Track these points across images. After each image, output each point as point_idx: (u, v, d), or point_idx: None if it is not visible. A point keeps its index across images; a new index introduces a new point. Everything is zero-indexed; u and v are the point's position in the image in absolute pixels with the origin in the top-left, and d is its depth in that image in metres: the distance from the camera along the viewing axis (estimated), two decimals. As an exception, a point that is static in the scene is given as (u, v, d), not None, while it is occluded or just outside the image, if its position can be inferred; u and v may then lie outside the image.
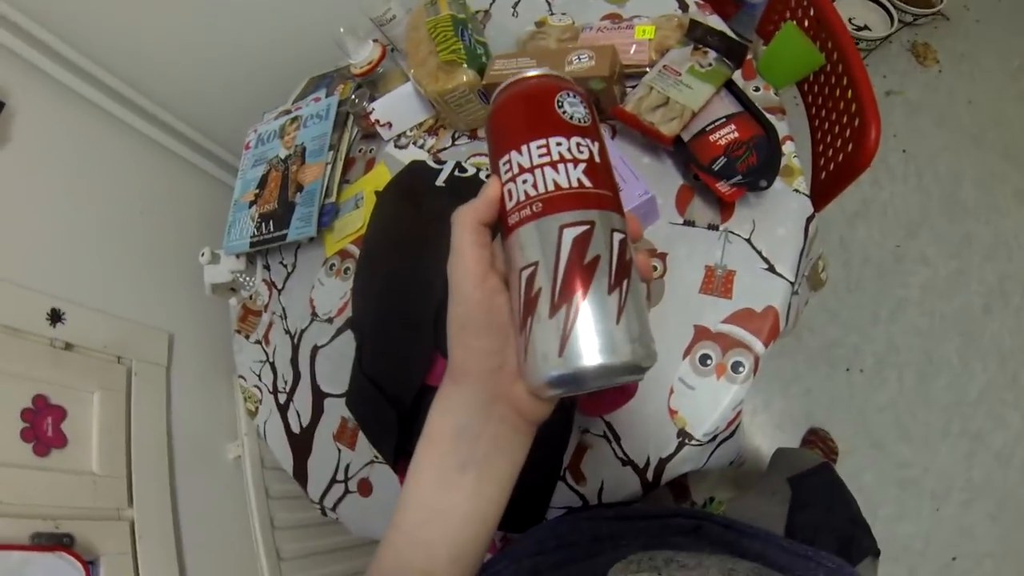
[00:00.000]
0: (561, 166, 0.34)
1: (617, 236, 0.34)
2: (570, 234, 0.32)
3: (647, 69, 0.86)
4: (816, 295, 1.55)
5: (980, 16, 2.02)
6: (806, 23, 0.97)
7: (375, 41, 1.08)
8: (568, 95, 0.37)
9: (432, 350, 0.71)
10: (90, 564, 0.83)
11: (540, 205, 0.33)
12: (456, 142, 1.04)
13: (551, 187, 0.34)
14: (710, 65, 0.81)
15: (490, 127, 0.39)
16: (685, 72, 0.81)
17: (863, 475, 1.48)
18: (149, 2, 1.18)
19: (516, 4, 1.12)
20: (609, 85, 0.81)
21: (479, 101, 0.95)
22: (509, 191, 0.35)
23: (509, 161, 0.36)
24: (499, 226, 0.37)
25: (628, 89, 0.88)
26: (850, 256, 1.73)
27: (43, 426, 0.89)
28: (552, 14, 1.06)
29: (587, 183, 0.34)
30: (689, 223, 0.80)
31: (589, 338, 0.31)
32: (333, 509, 0.92)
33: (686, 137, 0.79)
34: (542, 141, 0.35)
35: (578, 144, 0.35)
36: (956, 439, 1.49)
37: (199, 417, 1.17)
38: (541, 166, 0.34)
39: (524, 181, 0.34)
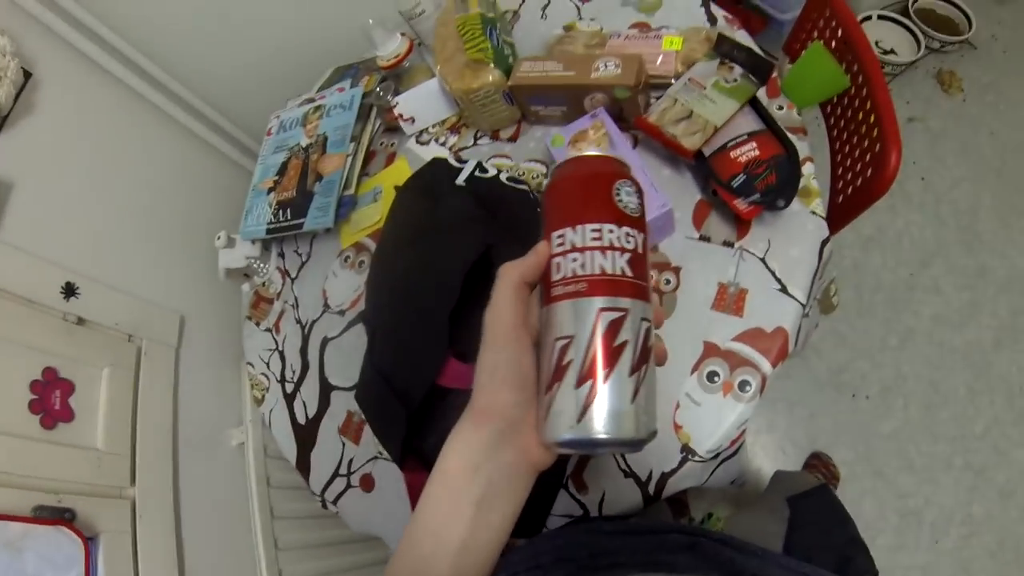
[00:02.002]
0: (609, 253, 0.37)
1: (645, 325, 0.37)
2: (606, 318, 0.36)
3: (672, 80, 0.86)
4: (826, 319, 1.55)
5: (1008, 47, 2.01)
6: (833, 44, 0.97)
7: (403, 35, 1.09)
8: (626, 184, 0.40)
9: (445, 350, 0.71)
10: (89, 540, 0.83)
11: (585, 285, 0.37)
12: (478, 141, 1.04)
13: (597, 271, 0.37)
14: (735, 81, 0.81)
15: (549, 197, 0.42)
16: (710, 86, 0.81)
17: (863, 502, 1.47)
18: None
19: (546, 7, 1.12)
20: (634, 94, 0.81)
21: (503, 101, 0.95)
22: (558, 264, 0.38)
23: (563, 236, 0.38)
24: (540, 288, 0.40)
25: (652, 99, 0.87)
26: (862, 281, 1.71)
27: (51, 399, 0.90)
28: (581, 19, 1.06)
29: (629, 273, 0.37)
30: (705, 238, 0.80)
31: (604, 413, 0.35)
32: (334, 503, 0.92)
33: (707, 152, 0.79)
34: (596, 226, 0.38)
35: (627, 234, 0.38)
36: (959, 472, 1.47)
37: (205, 401, 1.17)
38: (592, 249, 0.37)
39: (574, 259, 0.37)
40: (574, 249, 0.38)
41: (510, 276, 0.39)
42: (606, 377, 0.35)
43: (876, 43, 1.92)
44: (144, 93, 1.23)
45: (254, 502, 1.16)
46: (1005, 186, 1.78)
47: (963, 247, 1.72)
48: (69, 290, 0.96)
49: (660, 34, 0.90)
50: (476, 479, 0.37)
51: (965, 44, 1.96)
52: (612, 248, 0.37)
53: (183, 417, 1.10)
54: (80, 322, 0.98)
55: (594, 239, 0.37)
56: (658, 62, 0.87)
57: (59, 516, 0.81)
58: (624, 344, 0.36)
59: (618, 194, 0.39)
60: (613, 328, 0.36)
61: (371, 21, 1.03)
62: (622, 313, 0.36)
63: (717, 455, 0.72)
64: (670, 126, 0.79)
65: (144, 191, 1.20)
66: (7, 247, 0.91)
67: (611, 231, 0.37)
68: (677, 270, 0.79)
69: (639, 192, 0.41)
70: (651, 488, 0.71)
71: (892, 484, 1.48)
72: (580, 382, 0.35)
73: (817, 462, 1.51)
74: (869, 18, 1.94)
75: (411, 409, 0.70)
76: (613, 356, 0.35)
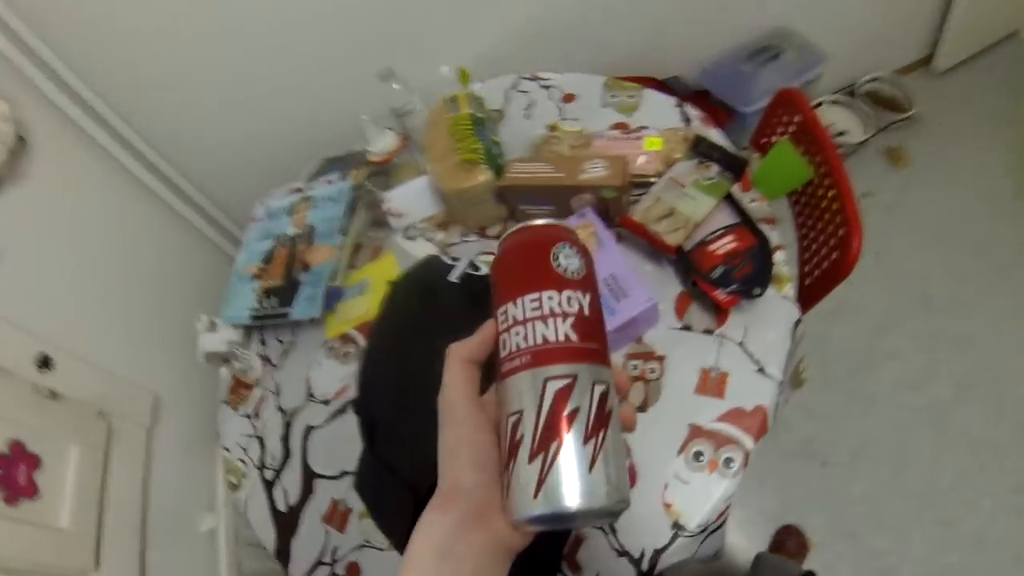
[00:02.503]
0: (551, 320, 0.36)
1: (599, 388, 0.36)
2: (552, 387, 0.35)
3: (654, 179, 0.93)
4: (794, 393, 1.62)
5: (948, 118, 2.17)
6: (797, 137, 1.06)
7: (394, 131, 1.13)
8: (565, 247, 0.39)
9: None
10: None
11: (528, 357, 0.36)
12: (465, 238, 1.08)
13: (540, 341, 0.36)
14: (713, 178, 0.88)
15: (494, 273, 0.41)
16: (689, 184, 0.88)
17: (839, 565, 1.51)
18: (179, 62, 1.21)
19: (528, 107, 1.20)
20: (620, 194, 0.88)
21: (493, 201, 1.00)
22: (504, 340, 0.38)
23: (506, 312, 0.38)
24: (494, 368, 0.40)
25: (634, 197, 0.94)
26: (826, 353, 1.80)
27: (16, 474, 0.85)
28: (564, 119, 1.14)
29: (574, 337, 0.36)
30: (687, 328, 0.86)
31: (562, 484, 0.33)
32: None
33: (688, 246, 0.85)
34: (535, 295, 0.37)
35: (568, 298, 0.37)
36: (930, 526, 1.52)
37: (176, 484, 1.13)
38: (532, 319, 0.37)
39: (517, 333, 0.37)
40: (516, 323, 0.37)
41: (456, 355, 0.40)
42: (558, 448, 0.34)
43: (830, 126, 2.07)
44: (133, 170, 1.25)
45: None
46: (953, 250, 1.90)
47: (918, 312, 1.82)
48: (44, 362, 0.93)
49: (640, 135, 0.98)
50: (444, 565, 0.35)
51: (909, 119, 2.12)
52: (553, 315, 0.36)
53: (152, 500, 1.06)
54: (53, 396, 0.94)
55: (534, 309, 0.37)
56: (640, 162, 0.94)
57: None
58: (575, 412, 0.34)
59: (556, 259, 0.38)
60: (561, 396, 0.35)
61: (365, 117, 1.07)
62: (569, 380, 0.35)
63: (705, 529, 0.76)
64: (653, 223, 0.86)
65: (125, 268, 1.20)
66: None
67: (551, 298, 0.37)
68: (662, 358, 0.84)
69: (582, 252, 0.40)
70: (644, 565, 0.74)
71: (866, 545, 1.53)
72: (532, 456, 0.34)
73: (787, 535, 1.55)
74: (820, 104, 2.09)
75: (418, 498, 0.72)
76: (564, 424, 0.34)
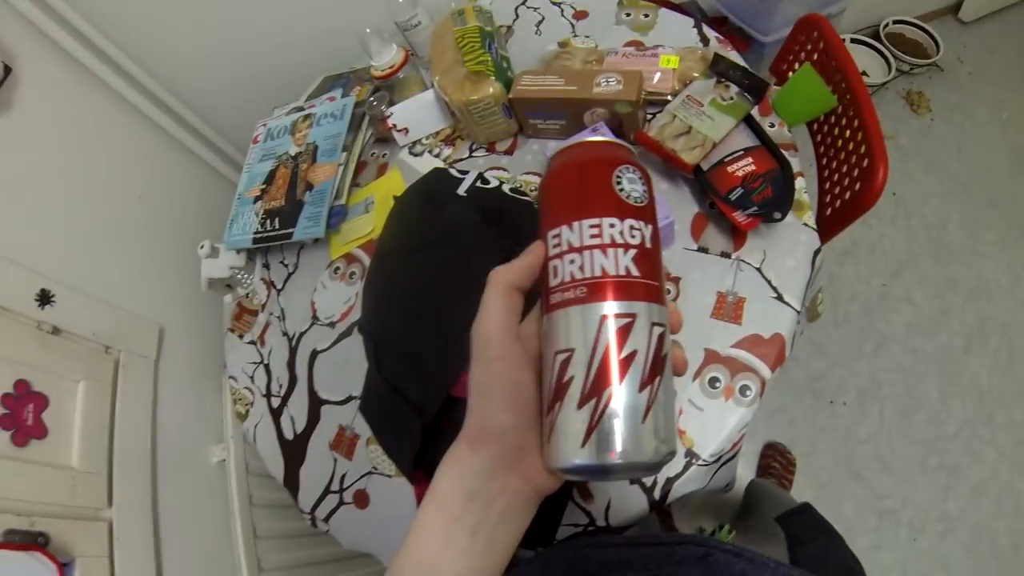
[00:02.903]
0: (611, 251, 0.33)
1: (657, 331, 0.33)
2: (611, 326, 0.32)
3: (669, 98, 0.89)
4: (805, 328, 1.59)
5: (973, 69, 2.11)
6: (819, 65, 1.01)
7: (398, 45, 1.09)
8: (628, 170, 0.36)
9: (463, 361, 0.71)
10: (64, 566, 0.78)
11: (585, 290, 0.33)
12: (473, 154, 1.05)
13: (599, 272, 0.33)
14: (731, 99, 0.84)
15: (544, 192, 0.38)
16: (707, 104, 0.84)
17: (843, 504, 1.52)
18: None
19: (540, 23, 1.15)
20: (635, 110, 0.84)
21: (502, 114, 0.97)
22: (555, 267, 0.34)
23: (559, 236, 0.34)
24: (540, 295, 0.36)
25: (650, 116, 0.90)
26: (838, 292, 1.77)
27: (23, 414, 0.83)
28: (575, 36, 1.09)
29: (635, 272, 0.33)
30: (703, 250, 0.83)
31: (614, 434, 0.31)
32: (325, 520, 0.89)
33: (705, 167, 0.82)
34: (595, 221, 0.33)
35: (632, 228, 0.34)
36: (934, 472, 1.53)
37: (185, 416, 1.13)
38: (591, 248, 0.33)
39: (572, 261, 0.33)
40: (571, 249, 0.34)
41: (499, 282, 0.35)
42: (613, 394, 0.31)
43: (849, 62, 2.00)
44: (127, 95, 1.20)
45: (236, 522, 1.11)
46: (971, 200, 1.86)
47: (933, 258, 1.79)
48: (44, 298, 0.91)
49: (656, 52, 0.93)
50: (472, 507, 0.34)
51: (933, 67, 2.05)
52: (614, 245, 0.33)
53: (162, 433, 1.05)
54: (55, 332, 0.91)
55: (593, 236, 0.33)
56: (656, 79, 0.90)
57: (32, 541, 0.76)
58: (633, 355, 0.31)
59: (619, 182, 0.35)
60: (619, 337, 0.32)
61: (368, 30, 1.03)
62: (629, 319, 0.32)
63: (719, 458, 0.74)
64: (670, 141, 0.82)
65: (123, 197, 1.16)
66: None
67: (612, 225, 0.33)
68: (677, 280, 0.82)
69: (645, 179, 0.37)
70: (656, 493, 0.72)
71: (870, 486, 1.53)
72: (583, 401, 0.31)
73: (771, 455, 1.56)
74: (843, 41, 2.01)
75: (427, 420, 0.70)
76: (620, 369, 0.31)
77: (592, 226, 0.33)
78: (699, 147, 0.81)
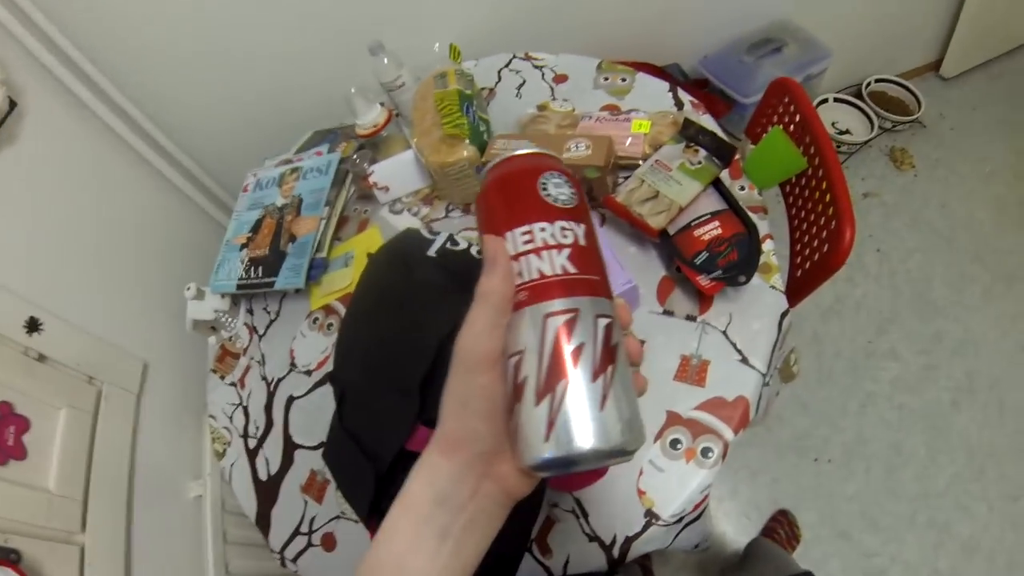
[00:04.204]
0: (545, 253, 0.34)
1: (602, 322, 0.34)
2: (554, 323, 0.33)
3: (640, 162, 0.92)
4: (787, 387, 1.59)
5: (955, 124, 2.15)
6: (792, 127, 1.04)
7: (382, 105, 1.13)
8: (553, 176, 0.37)
9: (416, 416, 0.73)
10: None
11: (527, 293, 0.34)
12: (449, 214, 1.08)
13: (536, 275, 0.34)
14: (700, 163, 0.87)
15: (479, 209, 0.39)
16: (676, 168, 0.86)
17: (829, 563, 1.49)
18: (172, 30, 1.21)
19: (520, 86, 1.19)
20: (603, 175, 0.86)
21: (477, 177, 0.99)
22: None
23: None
24: None
25: (620, 179, 0.93)
26: (823, 349, 1.78)
27: (4, 434, 0.86)
28: (554, 99, 1.12)
29: (572, 269, 0.34)
30: (668, 313, 0.84)
31: (573, 425, 0.31)
32: (294, 561, 0.91)
33: (672, 231, 0.84)
34: (526, 227, 0.35)
35: (562, 229, 0.35)
36: (923, 529, 1.50)
37: (164, 450, 1.14)
38: (526, 253, 0.34)
39: (513, 269, 0.35)
40: (511, 257, 0.35)
41: (496, 293, 0.35)
42: (568, 386, 0.32)
43: (833, 124, 2.05)
44: (125, 136, 1.25)
45: (209, 556, 1.12)
46: (956, 255, 1.88)
47: (918, 314, 1.80)
48: (32, 325, 0.94)
49: (629, 117, 0.97)
50: (442, 510, 0.35)
51: (916, 123, 2.10)
52: (547, 247, 0.34)
53: (140, 465, 1.07)
54: (41, 359, 0.94)
55: (526, 242, 0.35)
56: (627, 144, 0.93)
57: (4, 556, 0.78)
58: (580, 347, 0.33)
59: (545, 188, 0.36)
60: (565, 331, 0.33)
61: (353, 90, 1.07)
62: (571, 314, 0.33)
63: (680, 519, 0.74)
64: (637, 205, 0.84)
65: (116, 233, 1.20)
66: None
67: (542, 229, 0.35)
68: (642, 343, 0.82)
69: (572, 182, 0.38)
70: (615, 552, 0.72)
71: (857, 544, 1.51)
72: (540, 397, 0.32)
73: (781, 520, 1.53)
74: (826, 100, 2.06)
75: (380, 470, 0.71)
76: (570, 361, 0.32)
77: (524, 232, 0.35)
78: (665, 212, 0.83)
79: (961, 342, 1.74)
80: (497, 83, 1.23)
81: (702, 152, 0.89)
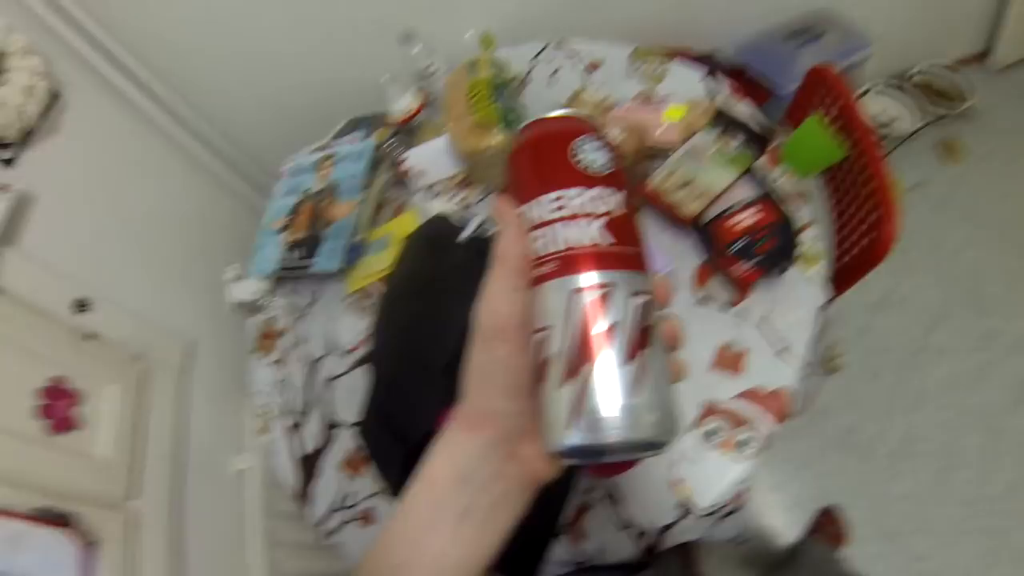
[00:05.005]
0: (575, 222, 0.32)
1: (638, 300, 0.31)
2: (583, 299, 0.30)
3: (674, 150, 0.90)
4: (831, 379, 1.55)
5: (1005, 115, 2.06)
6: (830, 116, 1.02)
7: (417, 91, 1.14)
8: (588, 140, 0.34)
9: (441, 400, 0.73)
10: (87, 547, 0.83)
11: (554, 264, 0.31)
12: (485, 198, 1.09)
13: (565, 245, 0.31)
14: (734, 151, 0.85)
15: (508, 172, 0.37)
16: (710, 156, 0.85)
17: (875, 565, 1.44)
18: (212, 21, 1.25)
19: (554, 74, 1.19)
20: (635, 163, 0.86)
21: (504, 163, 0.99)
22: None
23: (526, 213, 0.34)
24: None
25: (653, 168, 0.92)
26: (871, 344, 1.72)
27: (58, 407, 0.91)
28: (588, 87, 1.12)
29: (606, 240, 0.31)
30: (705, 300, 0.83)
31: (601, 412, 0.29)
32: (334, 535, 0.92)
33: (707, 219, 0.83)
34: (556, 194, 0.33)
35: (597, 196, 0.32)
36: (976, 535, 1.44)
37: (208, 426, 1.18)
38: (555, 221, 0.32)
39: (541, 236, 0.32)
40: (539, 224, 0.32)
41: (511, 257, 0.33)
42: (595, 369, 0.29)
43: (878, 114, 1.98)
44: (164, 125, 1.30)
45: (252, 529, 1.16)
46: (1008, 251, 1.79)
47: (971, 311, 1.72)
48: (82, 305, 0.98)
49: (663, 105, 0.96)
50: (463, 489, 0.33)
51: (964, 115, 2.02)
52: (580, 216, 0.32)
53: (186, 440, 1.11)
54: (91, 337, 0.98)
55: (556, 209, 0.32)
56: (660, 131, 0.92)
57: (58, 519, 0.82)
58: (612, 327, 0.30)
59: (578, 153, 0.34)
60: (594, 309, 0.30)
61: (387, 77, 1.09)
62: (604, 289, 0.30)
63: (718, 511, 0.73)
64: (671, 193, 0.83)
65: (158, 218, 1.25)
66: (25, 257, 0.93)
67: (576, 196, 0.32)
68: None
69: (607, 147, 0.35)
70: (648, 541, 0.72)
71: (906, 547, 1.45)
72: (565, 379, 0.30)
73: (828, 518, 1.49)
74: (868, 91, 2.00)
75: (409, 449, 0.72)
76: (600, 343, 0.30)
77: (554, 200, 0.32)
78: (700, 199, 0.82)
79: (1017, 340, 1.66)
80: (530, 72, 1.22)
81: (736, 140, 0.87)
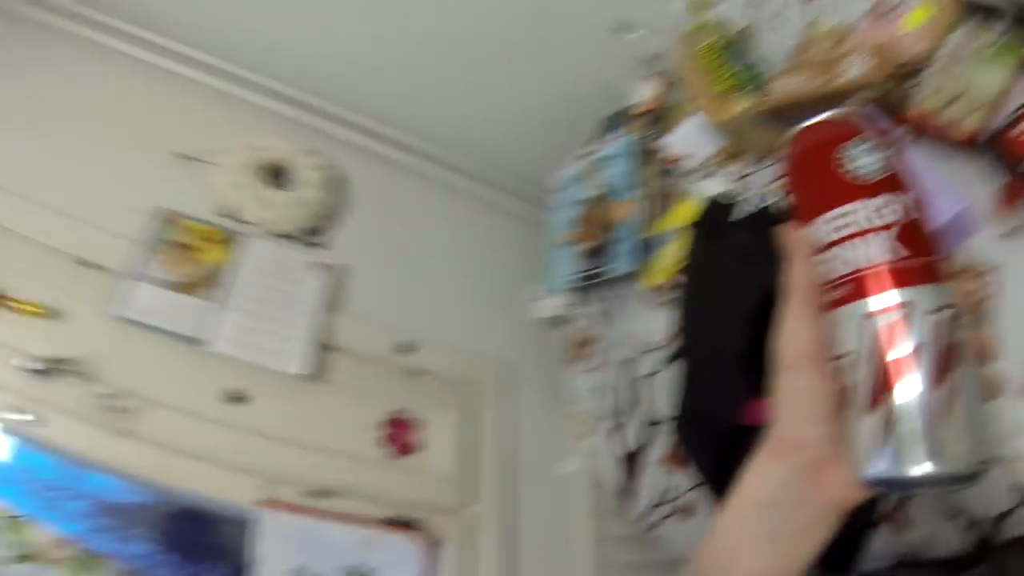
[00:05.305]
0: (858, 240, 0.30)
1: (940, 315, 0.29)
2: (880, 323, 0.29)
3: (928, 62, 0.76)
4: None
5: None
6: None
7: (654, 76, 1.14)
8: (853, 145, 0.32)
9: (741, 391, 0.71)
10: (431, 547, 1.03)
11: (845, 289, 0.30)
12: (759, 166, 1.01)
13: (849, 268, 0.30)
14: (998, 41, 0.69)
15: (789, 195, 0.36)
16: (971, 56, 0.70)
17: None
18: (470, 77, 1.40)
19: (774, 16, 1.05)
20: (888, 90, 0.73)
21: (766, 124, 0.93)
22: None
23: (809, 236, 0.33)
24: None
25: (910, 89, 0.78)
26: None
27: (399, 435, 1.13)
28: (814, 19, 0.95)
29: (893, 255, 0.29)
30: (1016, 233, 0.67)
31: (906, 444, 0.28)
32: (656, 528, 0.97)
33: (990, 132, 0.68)
34: (831, 214, 0.31)
35: (877, 207, 0.30)
36: None
37: (536, 435, 1.34)
38: (839, 242, 0.31)
39: (825, 260, 0.31)
40: (822, 248, 0.31)
41: (801, 287, 0.33)
42: (898, 397, 0.28)
43: None
44: (437, 175, 1.54)
45: (579, 526, 1.26)
46: None
47: None
48: (407, 347, 1.21)
49: (899, 13, 0.81)
50: (767, 514, 0.34)
51: None
52: (864, 232, 0.30)
53: (515, 450, 1.27)
54: (420, 373, 1.20)
55: (836, 229, 0.31)
56: (905, 45, 0.77)
57: (405, 525, 1.03)
58: (916, 351, 0.28)
59: (845, 163, 0.31)
60: (893, 333, 0.28)
61: (625, 70, 1.11)
62: (899, 312, 0.29)
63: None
64: (940, 113, 0.70)
65: (455, 257, 1.48)
66: (352, 318, 1.18)
67: (853, 211, 0.30)
68: (991, 273, 0.68)
69: (877, 144, 0.32)
70: (980, 531, 0.63)
71: None
72: (870, 408, 0.29)
73: None
74: None
75: (718, 445, 0.72)
76: (902, 369, 0.28)
77: (830, 220, 0.31)
78: (977, 110, 0.68)
79: None
80: (751, 20, 1.08)
81: (998, 26, 0.69)
